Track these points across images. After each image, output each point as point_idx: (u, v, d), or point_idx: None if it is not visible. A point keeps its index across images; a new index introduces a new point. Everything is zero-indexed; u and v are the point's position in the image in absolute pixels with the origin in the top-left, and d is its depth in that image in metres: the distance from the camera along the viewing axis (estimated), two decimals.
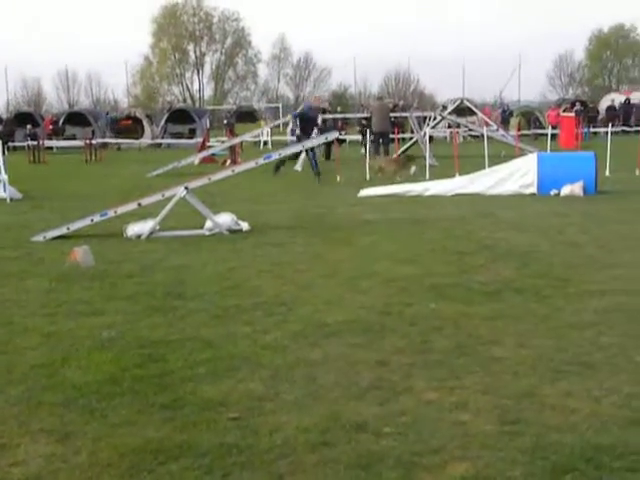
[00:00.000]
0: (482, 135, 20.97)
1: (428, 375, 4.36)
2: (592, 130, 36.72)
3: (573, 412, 3.80)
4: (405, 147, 24.01)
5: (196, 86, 65.45)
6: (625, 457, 3.31)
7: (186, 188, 9.72)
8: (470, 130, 29.19)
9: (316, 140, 13.51)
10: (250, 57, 66.07)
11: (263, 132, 31.59)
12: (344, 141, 32.07)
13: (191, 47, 64.88)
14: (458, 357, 4.67)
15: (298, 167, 20.14)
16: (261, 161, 10.48)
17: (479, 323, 5.39)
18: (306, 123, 18.24)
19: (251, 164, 10.54)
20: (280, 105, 52.75)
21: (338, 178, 16.84)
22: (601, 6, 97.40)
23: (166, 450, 3.47)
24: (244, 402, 4.02)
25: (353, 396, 4.07)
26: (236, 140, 24.96)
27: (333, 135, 12.31)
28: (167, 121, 37.85)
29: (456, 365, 4.52)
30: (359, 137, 28.42)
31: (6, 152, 22.07)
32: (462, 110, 31.16)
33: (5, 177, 14.73)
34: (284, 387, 4.21)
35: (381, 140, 20.94)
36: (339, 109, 38.78)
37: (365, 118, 26.12)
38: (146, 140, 36.64)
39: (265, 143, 32.97)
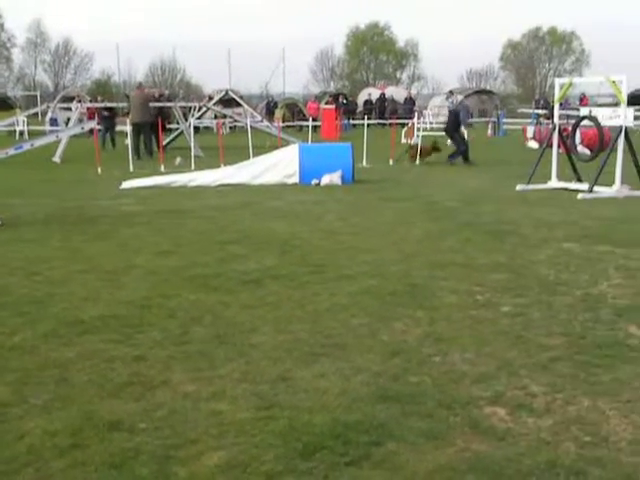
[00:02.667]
0: (247, 126, 21.28)
1: (186, 367, 4.36)
2: (352, 122, 38.57)
3: (325, 392, 3.97)
4: (171, 138, 23.74)
5: None
6: (371, 432, 3.50)
7: None
8: (235, 121, 29.49)
9: (73, 129, 12.97)
10: (3, 41, 61.96)
11: (18, 121, 29.76)
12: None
13: None
14: (217, 347, 4.70)
15: (57, 158, 19.20)
16: (11, 151, 9.87)
17: (239, 311, 5.47)
18: None
19: (1, 154, 9.91)
20: (38, 93, 50.00)
21: (99, 170, 16.29)
22: (358, 5, 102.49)
23: None
24: None
25: (108, 394, 3.96)
26: None
27: (90, 125, 11.88)
28: None
29: (215, 355, 4.56)
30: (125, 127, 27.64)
31: None
32: (229, 101, 31.40)
33: None
34: (32, 390, 4.00)
35: (141, 131, 20.43)
36: (100, 98, 37.43)
37: (106, 109, 25.32)
38: None
39: (21, 133, 31.07)
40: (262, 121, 27.35)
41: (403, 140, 26.87)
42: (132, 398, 3.92)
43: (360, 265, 6.96)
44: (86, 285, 6.31)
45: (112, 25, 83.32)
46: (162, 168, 16.28)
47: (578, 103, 23.80)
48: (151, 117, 20.55)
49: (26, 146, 10.52)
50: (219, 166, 15.54)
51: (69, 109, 25.20)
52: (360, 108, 44.99)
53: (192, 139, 18.68)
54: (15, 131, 30.69)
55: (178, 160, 17.73)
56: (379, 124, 38.75)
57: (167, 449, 3.35)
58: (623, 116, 12.21)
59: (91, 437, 3.47)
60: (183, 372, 4.28)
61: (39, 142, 10.91)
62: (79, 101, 28.60)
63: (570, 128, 14.52)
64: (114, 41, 56.08)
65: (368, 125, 22.60)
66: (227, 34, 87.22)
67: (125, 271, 6.79)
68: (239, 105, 30.97)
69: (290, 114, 40.47)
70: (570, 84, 13.83)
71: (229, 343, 4.78)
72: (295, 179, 13.94)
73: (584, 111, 13.88)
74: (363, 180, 14.30)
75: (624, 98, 12.15)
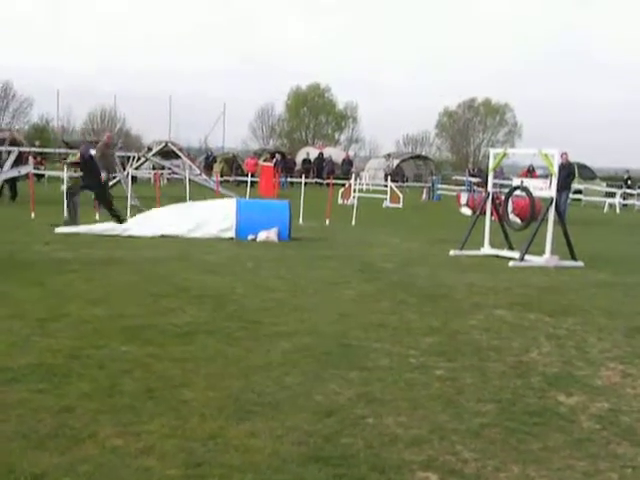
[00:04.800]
0: (185, 178, 21.25)
1: (115, 420, 4.25)
2: (289, 180, 38.88)
3: (256, 452, 3.93)
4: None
5: None
6: None
7: None
8: (174, 173, 29.42)
9: (10, 172, 12.76)
10: None
11: None
12: (42, 176, 30.62)
13: None
14: (146, 401, 4.61)
15: None
16: None
17: (170, 365, 5.39)
18: None
19: None
20: None
21: (33, 215, 15.98)
22: (301, 65, 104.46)
23: None
24: None
25: (32, 445, 3.84)
26: None
27: (26, 169, 11.71)
28: None
29: (144, 409, 4.47)
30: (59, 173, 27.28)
31: None
32: (168, 153, 31.36)
33: None
34: None
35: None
36: (37, 143, 36.96)
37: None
38: None
39: None
40: (201, 174, 27.36)
41: (340, 200, 27.21)
42: (57, 451, 3.80)
43: (295, 323, 6.96)
44: (14, 332, 6.13)
45: (53, 71, 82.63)
46: (97, 216, 16.07)
47: (527, 174, 24.46)
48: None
49: None
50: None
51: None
52: (298, 167, 45.43)
53: (129, 188, 18.51)
54: None
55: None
56: (317, 183, 39.14)
57: None
58: (553, 188, 12.64)
59: None
60: (111, 425, 4.18)
61: None
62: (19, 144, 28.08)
63: (503, 197, 14.94)
64: (55, 87, 55.30)
65: (305, 184, 22.82)
66: (168, 86, 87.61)
67: (55, 319, 6.63)
68: (178, 157, 30.96)
69: (229, 169, 40.58)
70: (504, 154, 14.29)
71: (159, 397, 4.70)
72: (231, 233, 13.93)
73: (516, 181, 14.31)
74: (299, 238, 14.37)
75: (555, 171, 12.60)
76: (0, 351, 5.51)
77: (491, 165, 14.20)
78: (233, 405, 4.62)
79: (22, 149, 22.99)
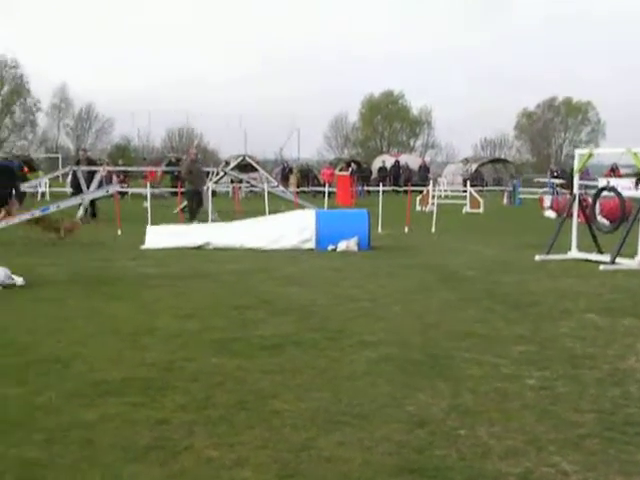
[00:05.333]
0: (264, 191, 21.49)
1: (209, 432, 4.32)
2: (366, 189, 38.92)
3: (347, 462, 3.92)
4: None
5: None
6: None
7: None
8: (252, 186, 29.80)
9: (98, 192, 13.16)
10: (29, 106, 63.24)
11: (41, 183, 30.20)
12: (126, 194, 31.56)
13: None
14: (239, 412, 4.67)
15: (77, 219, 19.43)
16: (37, 213, 10.02)
17: (260, 377, 5.45)
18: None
19: (27, 215, 10.04)
20: (60, 156, 50.81)
21: (119, 231, 16.43)
22: (373, 73, 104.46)
23: None
24: (15, 469, 3.76)
25: (131, 457, 3.93)
26: None
27: (114, 188, 12.07)
28: None
29: (237, 421, 4.53)
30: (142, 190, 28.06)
31: None
32: (245, 166, 31.84)
33: None
34: (59, 451, 3.99)
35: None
36: (121, 162, 38.21)
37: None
38: None
39: (43, 194, 31.50)
40: (278, 186, 27.63)
41: (418, 207, 27.06)
42: (156, 463, 3.88)
43: (379, 332, 6.93)
44: (108, 346, 6.32)
45: (130, 92, 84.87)
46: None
47: (611, 174, 23.72)
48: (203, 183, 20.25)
49: (52, 207, 10.67)
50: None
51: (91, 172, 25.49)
52: (374, 175, 45.44)
53: (210, 203, 18.84)
54: (37, 192, 31.11)
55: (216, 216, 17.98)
56: (393, 191, 39.05)
57: None
58: None
59: None
60: (206, 437, 4.24)
61: (64, 204, 11.07)
62: (100, 164, 29.01)
63: (590, 198, 14.56)
64: (131, 108, 57.01)
65: (383, 192, 22.78)
66: (241, 99, 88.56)
67: (146, 333, 6.80)
68: (255, 170, 31.38)
69: (305, 180, 40.86)
70: (590, 155, 13.92)
71: (251, 409, 4.75)
72: (311, 244, 14.01)
73: (603, 182, 13.92)
74: (379, 247, 14.35)
75: None
76: (95, 366, 5.67)
77: (576, 166, 13.86)
78: (323, 416, 4.63)
79: (109, 168, 23.84)
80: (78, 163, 20.90)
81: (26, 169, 33.59)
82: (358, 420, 4.57)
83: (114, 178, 31.93)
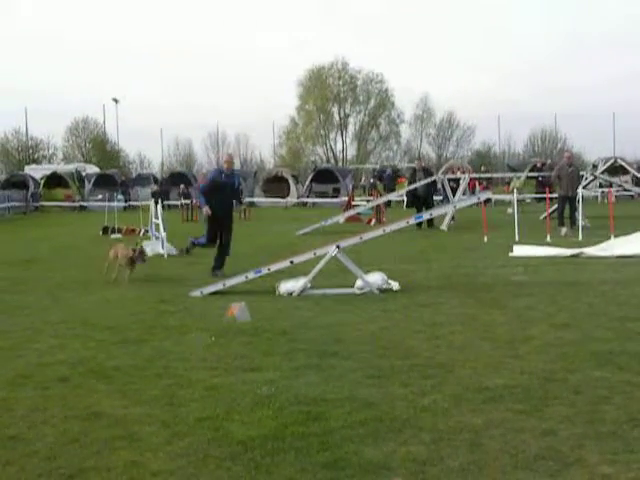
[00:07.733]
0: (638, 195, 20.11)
1: (600, 447, 4.13)
2: None
3: None
4: (554, 208, 23.37)
5: (339, 146, 66.65)
6: None
7: (338, 247, 9.84)
8: (625, 190, 28.15)
9: (468, 200, 13.41)
10: (393, 118, 66.83)
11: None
12: (489, 200, 31.70)
13: (335, 109, 66.31)
14: (632, 429, 4.40)
15: (444, 227, 20.02)
16: (412, 220, 10.50)
17: None
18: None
19: (402, 223, 10.56)
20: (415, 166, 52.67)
21: (485, 238, 16.56)
22: None
23: None
24: (407, 465, 3.96)
25: (521, 465, 3.91)
26: (381, 199, 25.17)
27: (485, 195, 12.19)
28: (312, 180, 38.73)
29: (631, 438, 4.27)
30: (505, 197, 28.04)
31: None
32: (615, 169, 30.18)
33: (164, 234, 15.51)
34: (448, 452, 4.11)
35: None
36: (483, 168, 38.54)
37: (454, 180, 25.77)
38: (292, 199, 37.70)
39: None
40: None
41: None
42: (546, 473, 3.81)
43: None
44: (485, 352, 6.38)
45: (497, 98, 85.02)
46: (548, 238, 16.02)
47: None
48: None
49: (425, 215, 11.14)
50: (608, 237, 14.83)
51: (456, 180, 26.25)
52: None
53: (580, 209, 18.12)
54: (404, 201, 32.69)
55: (564, 230, 17.39)
56: None
57: None
58: None
59: None
60: (597, 452, 4.07)
61: (437, 211, 11.45)
62: (463, 172, 29.62)
63: None
64: (496, 114, 56.82)
65: None
66: (609, 96, 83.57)
67: (522, 341, 6.74)
68: (626, 173, 29.56)
69: None
70: None
71: None
72: None
73: None
74: None
75: None
76: (476, 371, 5.76)
77: None
78: None
79: (472, 176, 24.28)
80: (429, 173, 22.14)
81: (401, 179, 35.32)
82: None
83: (476, 185, 32.34)
